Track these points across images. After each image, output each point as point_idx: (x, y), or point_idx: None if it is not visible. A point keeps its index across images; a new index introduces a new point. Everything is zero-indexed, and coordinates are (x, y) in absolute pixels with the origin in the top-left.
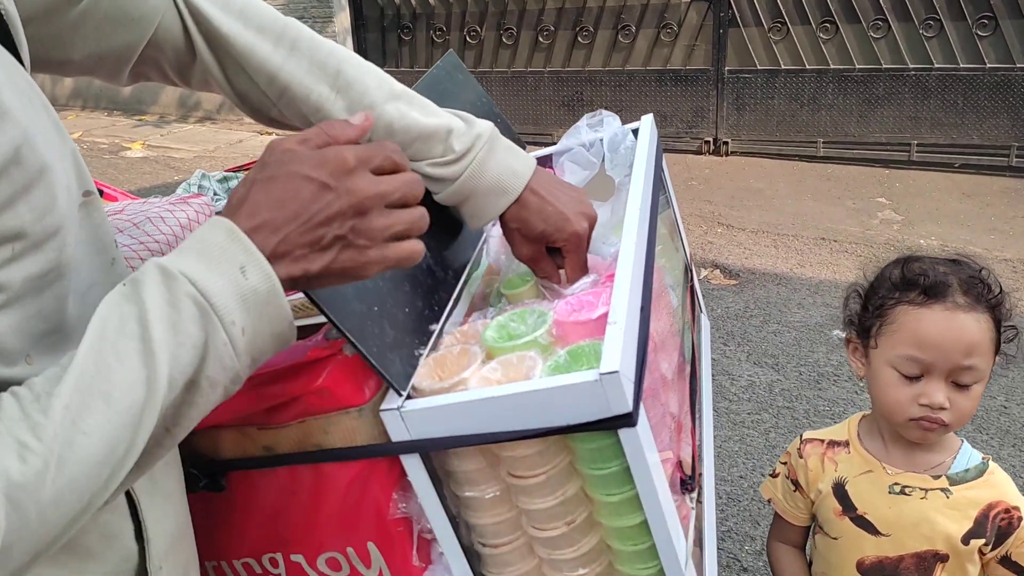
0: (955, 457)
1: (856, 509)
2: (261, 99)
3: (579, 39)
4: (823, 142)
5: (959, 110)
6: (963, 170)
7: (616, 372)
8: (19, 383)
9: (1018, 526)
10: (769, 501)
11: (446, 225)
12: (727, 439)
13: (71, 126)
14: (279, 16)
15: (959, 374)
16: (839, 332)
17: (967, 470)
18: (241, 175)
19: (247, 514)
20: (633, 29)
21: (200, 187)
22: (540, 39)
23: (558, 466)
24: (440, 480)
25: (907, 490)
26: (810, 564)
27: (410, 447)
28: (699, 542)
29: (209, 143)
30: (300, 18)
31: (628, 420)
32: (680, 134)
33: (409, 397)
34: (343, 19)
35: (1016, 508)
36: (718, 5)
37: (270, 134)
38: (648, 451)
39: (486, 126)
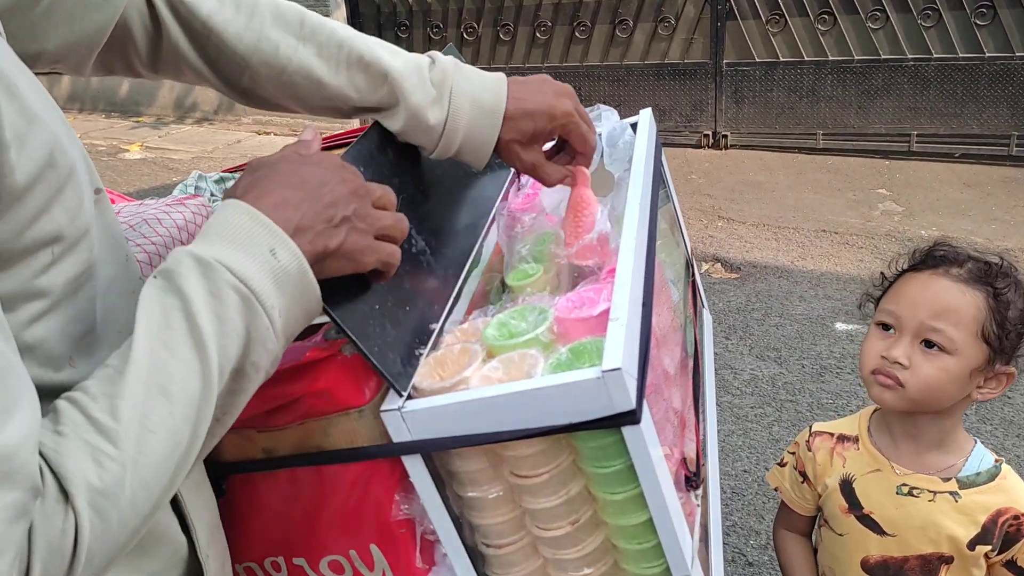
0: (967, 459)
1: (862, 508)
2: (231, 65)
3: (576, 34)
4: (823, 134)
5: (958, 100)
6: (963, 160)
7: (619, 369)
8: (66, 387)
9: None
10: (776, 489)
11: (445, 222)
12: (730, 433)
13: None
14: None
15: (926, 333)
16: (842, 324)
17: (978, 473)
18: (238, 175)
19: (248, 518)
20: (630, 23)
21: (197, 188)
22: (537, 35)
23: (561, 465)
24: (442, 481)
25: (915, 492)
26: (815, 552)
27: (412, 448)
28: (704, 539)
29: (207, 144)
30: None
31: (631, 417)
32: (679, 128)
33: (410, 397)
34: (339, 16)
35: None
36: None
37: (268, 134)
38: (652, 448)
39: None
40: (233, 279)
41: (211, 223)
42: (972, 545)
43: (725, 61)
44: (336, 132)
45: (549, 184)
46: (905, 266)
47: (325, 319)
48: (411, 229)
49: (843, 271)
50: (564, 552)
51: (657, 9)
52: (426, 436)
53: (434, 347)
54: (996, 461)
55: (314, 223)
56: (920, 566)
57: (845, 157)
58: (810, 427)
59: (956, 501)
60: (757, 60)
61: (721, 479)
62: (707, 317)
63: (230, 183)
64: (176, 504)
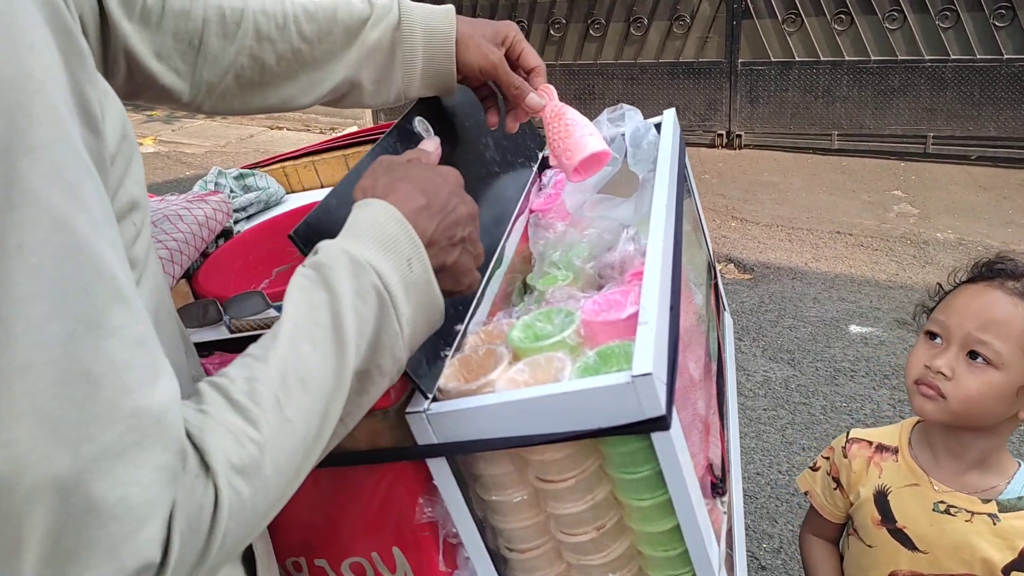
0: (1009, 482)
1: (896, 521)
2: (178, 42)
3: (591, 32)
4: (838, 135)
5: (976, 102)
6: (980, 163)
7: (650, 374)
8: None
9: None
10: (806, 493)
11: None
12: (743, 435)
13: None
14: None
15: (972, 344)
16: (856, 327)
17: (1020, 497)
18: (257, 172)
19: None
20: (645, 21)
21: (217, 184)
22: (551, 32)
23: (588, 470)
24: (466, 484)
25: (952, 510)
26: (841, 560)
27: (436, 450)
28: (730, 546)
29: (220, 138)
30: None
31: (661, 423)
32: (693, 127)
33: (435, 399)
34: None
35: None
36: None
37: (280, 128)
38: (681, 455)
39: None
40: (378, 282)
41: (363, 220)
42: (1007, 571)
43: (740, 60)
44: (348, 132)
45: (535, 110)
46: (964, 278)
47: None
48: None
49: (857, 273)
50: (589, 558)
51: (672, 7)
52: (451, 439)
53: (459, 348)
54: None
55: (440, 238)
56: None
57: (860, 158)
58: (847, 433)
59: (994, 524)
60: (772, 59)
61: None
62: (728, 321)
63: (250, 179)
64: None
